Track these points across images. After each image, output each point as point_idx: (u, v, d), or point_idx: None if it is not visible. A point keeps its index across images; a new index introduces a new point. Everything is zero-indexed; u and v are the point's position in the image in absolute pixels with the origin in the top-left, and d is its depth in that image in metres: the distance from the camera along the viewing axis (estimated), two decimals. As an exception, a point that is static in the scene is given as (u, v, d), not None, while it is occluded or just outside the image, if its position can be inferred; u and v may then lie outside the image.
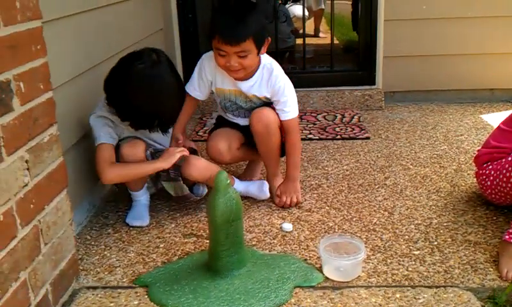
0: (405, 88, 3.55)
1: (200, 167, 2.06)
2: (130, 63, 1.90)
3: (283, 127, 2.14)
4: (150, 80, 1.87)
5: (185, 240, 1.94)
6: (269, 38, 2.08)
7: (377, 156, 2.69)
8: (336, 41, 5.26)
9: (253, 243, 1.92)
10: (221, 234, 1.65)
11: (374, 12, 3.43)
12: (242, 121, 2.24)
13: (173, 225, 2.06)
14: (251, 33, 1.96)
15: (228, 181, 1.67)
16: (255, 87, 2.11)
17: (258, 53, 2.04)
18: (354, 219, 2.07)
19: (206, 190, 2.17)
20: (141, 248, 1.90)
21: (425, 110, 3.40)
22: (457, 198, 2.22)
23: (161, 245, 1.91)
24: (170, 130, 2.18)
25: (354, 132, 3.02)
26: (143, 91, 1.87)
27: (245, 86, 2.11)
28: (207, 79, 2.16)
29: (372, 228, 2.00)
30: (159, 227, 2.05)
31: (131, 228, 2.04)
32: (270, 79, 2.10)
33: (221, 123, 2.29)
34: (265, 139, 2.13)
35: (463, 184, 2.34)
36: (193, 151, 2.18)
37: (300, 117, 3.26)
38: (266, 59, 2.12)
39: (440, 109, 3.43)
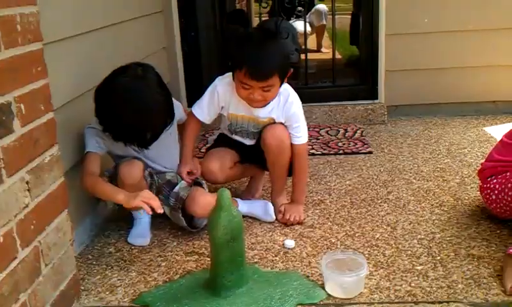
0: (408, 102, 3.55)
1: (203, 205, 1.99)
2: (116, 76, 1.91)
3: (292, 151, 2.15)
4: (130, 93, 1.86)
5: (187, 258, 1.94)
6: (292, 69, 2.09)
7: (379, 170, 2.69)
8: (339, 56, 5.30)
9: (255, 260, 1.91)
10: (222, 252, 1.65)
11: (375, 26, 3.45)
12: (249, 142, 2.24)
13: (174, 243, 2.06)
14: (277, 68, 1.98)
15: (229, 199, 1.67)
16: (273, 112, 2.12)
17: (281, 85, 2.06)
18: (356, 235, 2.06)
19: (205, 222, 2.09)
20: (142, 267, 1.90)
21: (428, 124, 3.40)
22: (461, 212, 2.21)
23: (163, 264, 1.91)
24: (170, 149, 2.18)
25: (356, 146, 3.01)
26: (121, 102, 1.86)
27: (262, 112, 2.12)
28: (218, 104, 2.16)
29: (374, 243, 1.99)
30: (161, 245, 2.04)
31: (133, 247, 2.04)
32: (286, 105, 2.11)
33: (221, 140, 2.30)
34: (277, 155, 2.14)
35: (466, 198, 2.33)
36: (199, 184, 2.15)
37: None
38: (282, 85, 2.12)
39: (443, 122, 3.42)
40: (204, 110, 2.17)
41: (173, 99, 2.11)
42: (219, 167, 2.17)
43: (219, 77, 2.16)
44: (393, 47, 3.46)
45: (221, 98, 2.14)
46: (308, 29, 6.12)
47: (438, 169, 2.66)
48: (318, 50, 6.07)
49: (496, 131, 3.14)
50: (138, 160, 2.02)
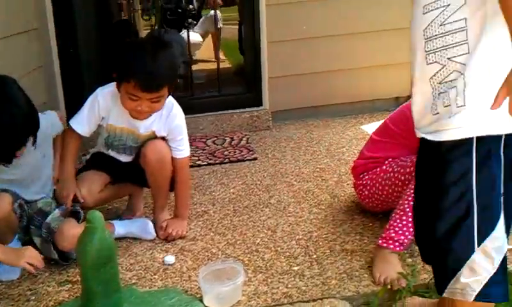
0: (291, 106, 3.65)
1: (72, 238, 1.81)
2: None
3: (174, 165, 2.12)
4: None
5: (60, 289, 1.83)
6: (178, 79, 2.06)
7: (263, 176, 2.73)
8: (229, 65, 5.36)
9: (133, 281, 1.85)
10: (93, 278, 1.58)
11: (257, 35, 3.51)
12: (125, 158, 2.18)
13: (47, 274, 1.93)
14: (167, 79, 1.94)
15: (100, 220, 1.60)
16: (154, 124, 2.07)
17: (168, 95, 2.02)
18: (238, 242, 2.07)
19: None
20: (9, 304, 1.76)
21: (310, 126, 3.50)
22: (337, 209, 2.30)
23: (32, 298, 1.79)
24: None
25: (242, 154, 3.05)
26: None
27: (143, 125, 2.07)
28: (99, 115, 2.07)
29: (255, 248, 2.01)
30: (32, 277, 1.91)
31: (0, 283, 1.90)
32: (169, 117, 2.08)
33: (93, 161, 2.21)
34: (158, 170, 2.10)
35: (343, 194, 2.43)
36: (76, 213, 2.03)
37: (190, 143, 3.24)
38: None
39: (324, 123, 3.54)
40: (83, 122, 2.07)
41: (49, 110, 2.01)
42: (87, 192, 2.08)
43: (100, 88, 2.09)
44: (275, 54, 3.54)
45: (102, 109, 2.06)
46: (200, 39, 6.12)
47: (318, 169, 2.76)
48: (216, 58, 5.99)
49: (372, 128, 3.28)
50: (6, 192, 1.89)
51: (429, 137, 1.24)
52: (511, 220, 1.32)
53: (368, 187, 2.14)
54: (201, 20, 6.08)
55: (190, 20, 5.79)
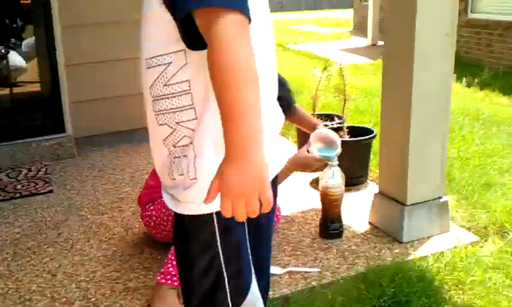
0: (99, 132, 3.48)
1: None
2: None
3: None
4: None
5: None
6: None
7: (55, 210, 2.54)
8: (29, 89, 4.95)
9: None
10: None
11: (53, 57, 3.30)
12: None
13: None
14: None
15: None
16: None
17: None
18: (9, 292, 1.88)
19: None
20: None
21: (118, 152, 3.37)
22: (128, 242, 2.21)
23: None
24: None
25: (36, 187, 2.81)
26: None
27: None
28: None
29: (28, 297, 1.84)
30: None
31: None
32: None
33: None
34: None
35: (137, 226, 2.35)
36: None
37: (-22, 178, 2.93)
38: None
39: (133, 149, 3.43)
40: None
41: None
42: None
43: None
44: (75, 78, 3.36)
45: None
46: (24, 63, 5.60)
47: (117, 199, 2.65)
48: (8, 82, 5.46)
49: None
50: None
51: (170, 206, 1.13)
52: (265, 282, 1.30)
53: (153, 218, 2.09)
54: (26, 40, 5.58)
55: (13, 39, 5.30)
